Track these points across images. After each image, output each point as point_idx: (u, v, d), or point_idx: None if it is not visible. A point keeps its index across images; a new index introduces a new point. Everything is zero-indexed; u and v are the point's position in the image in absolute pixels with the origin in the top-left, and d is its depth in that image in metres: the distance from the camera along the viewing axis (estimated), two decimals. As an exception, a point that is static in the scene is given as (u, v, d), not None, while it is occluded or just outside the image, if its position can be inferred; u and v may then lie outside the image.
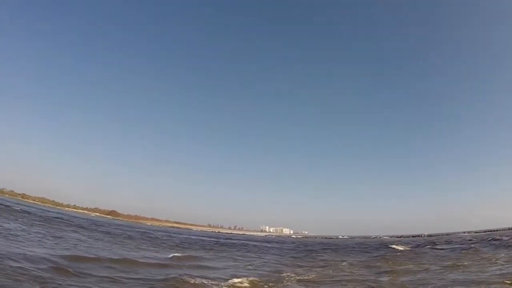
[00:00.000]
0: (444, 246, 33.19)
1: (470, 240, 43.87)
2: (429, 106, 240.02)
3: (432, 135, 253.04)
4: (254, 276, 13.12)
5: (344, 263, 19.81)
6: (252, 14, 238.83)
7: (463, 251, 25.02)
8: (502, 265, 15.24)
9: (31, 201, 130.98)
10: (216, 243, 39.13)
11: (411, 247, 35.25)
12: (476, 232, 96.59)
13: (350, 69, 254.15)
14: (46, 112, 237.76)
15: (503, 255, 19.87)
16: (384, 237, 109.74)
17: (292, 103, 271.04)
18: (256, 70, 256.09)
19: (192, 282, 10.86)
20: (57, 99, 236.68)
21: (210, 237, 62.60)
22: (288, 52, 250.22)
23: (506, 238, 36.79)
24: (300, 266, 18.18)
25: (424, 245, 37.56)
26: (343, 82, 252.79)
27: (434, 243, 40.56)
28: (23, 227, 22.61)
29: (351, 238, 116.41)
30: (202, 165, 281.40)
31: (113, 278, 10.47)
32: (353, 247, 40.71)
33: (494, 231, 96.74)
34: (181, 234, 59.75)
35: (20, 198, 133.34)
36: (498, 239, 36.61)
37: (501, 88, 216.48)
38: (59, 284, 8.92)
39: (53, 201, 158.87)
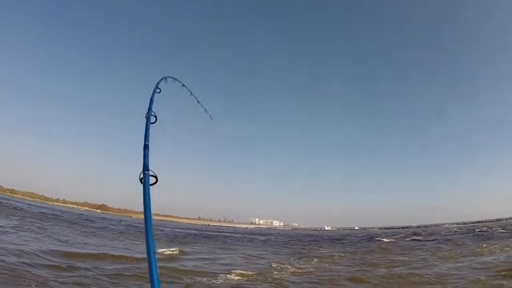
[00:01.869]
0: (427, 238, 33.32)
1: (455, 231, 43.97)
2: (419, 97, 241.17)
3: (425, 127, 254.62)
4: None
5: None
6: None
7: (440, 243, 25.02)
8: (471, 258, 14.76)
9: (20, 196, 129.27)
10: (198, 236, 38.61)
11: (396, 239, 35.26)
12: (464, 224, 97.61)
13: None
14: (33, 104, 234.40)
15: (484, 245, 19.64)
16: (371, 229, 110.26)
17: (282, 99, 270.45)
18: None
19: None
20: (46, 92, 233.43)
21: (196, 229, 62.18)
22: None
23: (489, 230, 36.92)
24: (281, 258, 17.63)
25: (408, 237, 37.59)
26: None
27: (420, 234, 40.73)
28: (14, 223, 21.92)
29: (337, 229, 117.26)
30: (193, 158, 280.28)
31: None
32: (341, 240, 40.41)
33: (482, 222, 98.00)
34: (166, 227, 59.07)
35: (9, 194, 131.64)
36: (482, 231, 36.70)
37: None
38: (55, 280, 8.66)
39: (42, 195, 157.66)
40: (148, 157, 2.42)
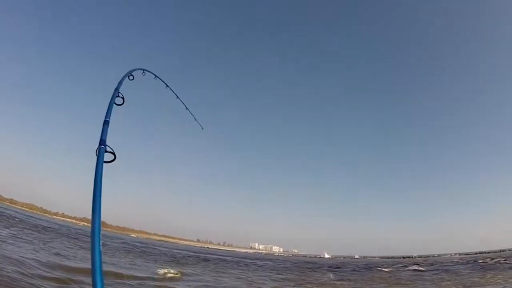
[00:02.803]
0: (428, 268, 32.74)
1: (457, 262, 43.14)
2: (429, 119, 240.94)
3: (428, 154, 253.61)
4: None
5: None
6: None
7: (441, 274, 24.61)
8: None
9: (19, 207, 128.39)
10: (198, 258, 38.11)
11: (396, 268, 34.63)
12: (467, 254, 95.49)
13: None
14: (40, 115, 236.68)
15: (488, 276, 19.32)
16: (371, 258, 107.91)
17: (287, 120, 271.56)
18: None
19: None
20: (52, 101, 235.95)
21: (195, 251, 61.31)
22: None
23: (492, 261, 36.21)
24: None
25: (408, 266, 36.90)
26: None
27: (421, 264, 39.95)
28: (13, 233, 21.83)
29: (337, 257, 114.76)
30: (196, 179, 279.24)
31: None
32: (341, 268, 39.71)
33: (485, 252, 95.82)
34: (165, 247, 58.38)
35: (8, 204, 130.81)
36: (484, 262, 36.01)
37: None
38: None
39: (41, 208, 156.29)
40: (106, 133, 2.39)
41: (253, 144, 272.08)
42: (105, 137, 2.32)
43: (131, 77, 3.48)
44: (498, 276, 18.66)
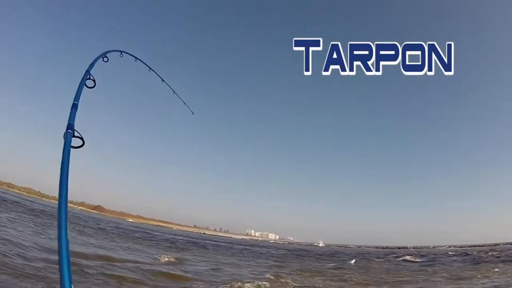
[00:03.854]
0: (422, 259, 33.19)
1: (450, 254, 43.68)
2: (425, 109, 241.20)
3: (424, 149, 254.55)
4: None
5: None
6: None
7: (429, 265, 24.96)
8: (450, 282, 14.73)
9: (17, 191, 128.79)
10: (197, 243, 38.52)
11: (387, 258, 35.09)
12: (461, 247, 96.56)
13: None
14: (39, 100, 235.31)
15: (475, 269, 19.59)
16: (366, 247, 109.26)
17: (289, 109, 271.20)
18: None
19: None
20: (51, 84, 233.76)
21: (193, 237, 61.91)
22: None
23: (484, 255, 36.61)
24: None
25: (400, 257, 37.38)
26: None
27: (413, 255, 40.50)
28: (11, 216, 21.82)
29: (332, 246, 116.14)
30: (194, 164, 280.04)
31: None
32: (332, 256, 40.20)
33: (479, 246, 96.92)
34: (164, 233, 58.95)
35: (6, 188, 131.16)
36: (477, 255, 36.42)
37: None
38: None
39: (39, 192, 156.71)
40: (74, 117, 2.26)
41: (249, 132, 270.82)
42: (73, 121, 2.20)
43: (105, 59, 3.32)
44: (484, 270, 18.93)
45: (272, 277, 13.29)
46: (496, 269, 18.59)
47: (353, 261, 27.74)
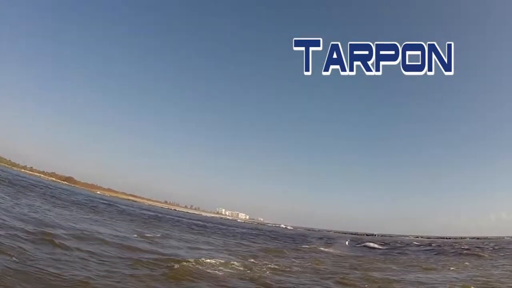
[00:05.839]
0: (381, 247, 33.22)
1: (414, 244, 44.26)
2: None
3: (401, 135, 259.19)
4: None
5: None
6: None
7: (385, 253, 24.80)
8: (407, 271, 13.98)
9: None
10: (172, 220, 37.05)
11: (352, 245, 35.00)
12: (428, 238, 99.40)
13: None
14: (13, 69, 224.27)
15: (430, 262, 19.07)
16: (336, 232, 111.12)
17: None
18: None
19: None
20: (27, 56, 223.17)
21: (167, 213, 60.81)
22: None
23: (447, 247, 37.00)
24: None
25: (362, 244, 37.37)
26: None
27: (374, 242, 40.71)
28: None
29: (299, 228, 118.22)
30: (168, 139, 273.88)
31: None
32: (292, 237, 39.67)
33: (446, 238, 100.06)
34: (136, 208, 57.55)
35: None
36: (439, 247, 36.87)
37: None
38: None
39: (9, 160, 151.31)
40: None
41: (224, 106, 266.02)
42: None
43: None
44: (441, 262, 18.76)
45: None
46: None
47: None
